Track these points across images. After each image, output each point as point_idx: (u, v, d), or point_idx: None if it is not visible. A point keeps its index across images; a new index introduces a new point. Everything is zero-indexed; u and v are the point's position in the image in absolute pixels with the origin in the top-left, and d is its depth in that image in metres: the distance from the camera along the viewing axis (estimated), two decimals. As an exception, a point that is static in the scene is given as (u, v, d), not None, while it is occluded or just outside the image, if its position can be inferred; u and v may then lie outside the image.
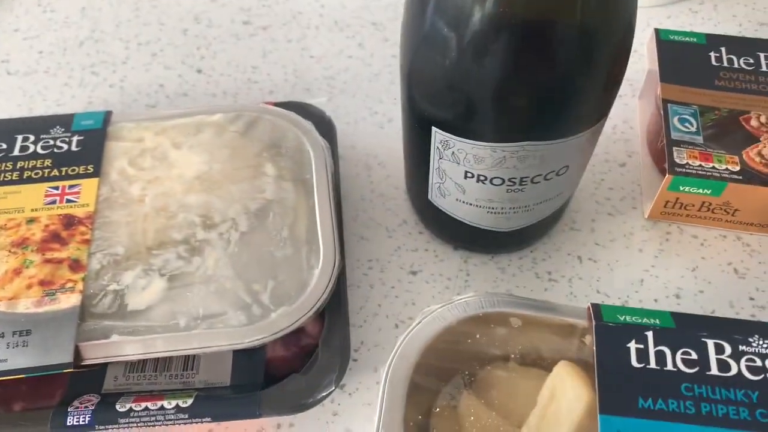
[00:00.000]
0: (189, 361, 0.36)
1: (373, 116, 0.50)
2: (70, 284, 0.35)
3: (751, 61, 0.46)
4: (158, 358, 0.36)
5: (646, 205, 0.44)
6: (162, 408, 0.34)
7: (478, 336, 0.32)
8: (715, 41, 0.48)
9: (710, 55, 0.47)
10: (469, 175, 0.36)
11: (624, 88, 0.52)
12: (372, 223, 0.44)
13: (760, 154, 0.41)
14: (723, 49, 0.47)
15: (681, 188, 0.41)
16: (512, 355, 0.31)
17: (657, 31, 0.48)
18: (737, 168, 0.40)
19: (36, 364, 0.33)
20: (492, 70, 0.30)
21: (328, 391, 0.34)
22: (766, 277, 0.41)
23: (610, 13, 0.30)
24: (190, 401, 0.34)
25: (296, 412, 0.35)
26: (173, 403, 0.34)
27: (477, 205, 0.38)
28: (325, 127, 0.44)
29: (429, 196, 0.40)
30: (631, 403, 0.27)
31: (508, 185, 0.36)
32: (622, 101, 0.51)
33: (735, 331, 0.30)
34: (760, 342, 0.29)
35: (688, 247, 0.43)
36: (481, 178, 0.35)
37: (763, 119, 0.43)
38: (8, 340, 0.33)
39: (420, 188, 0.40)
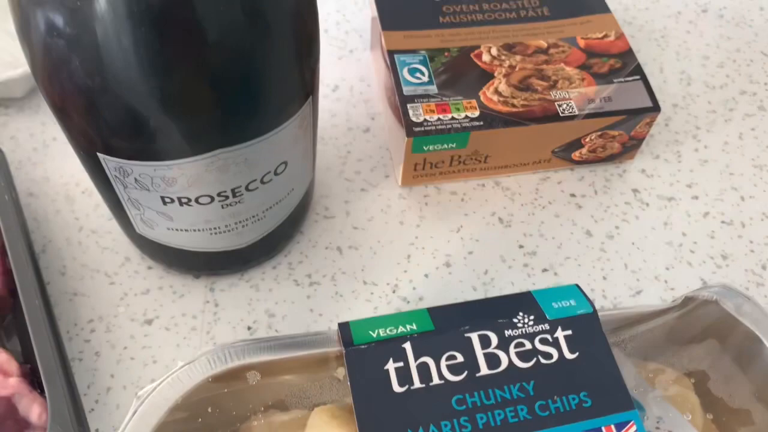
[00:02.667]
0: None
1: (62, 135, 0.40)
2: None
3: (472, -11, 0.43)
4: None
5: (398, 172, 0.39)
6: None
7: (209, 410, 0.25)
8: (432, -26, 0.43)
9: (430, -10, 0.43)
10: (167, 200, 0.28)
11: (354, 41, 0.46)
12: (86, 271, 0.35)
13: (496, 91, 0.38)
14: (441, -19, 0.43)
15: (425, 148, 0.37)
16: (259, 414, 0.26)
17: (370, -28, 0.43)
18: (477, 113, 0.37)
19: None
20: (135, 78, 0.22)
21: None
22: (530, 219, 0.39)
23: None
24: None
25: None
26: None
27: (195, 230, 0.31)
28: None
29: (137, 230, 0.32)
30: None
31: (220, 200, 0.29)
32: (354, 56, 0.45)
33: (498, 313, 0.26)
34: (526, 319, 0.25)
35: (449, 206, 0.39)
36: (183, 200, 0.28)
37: (494, 51, 0.40)
38: None
39: (124, 222, 0.32)
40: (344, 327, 0.25)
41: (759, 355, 0.26)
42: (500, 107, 0.37)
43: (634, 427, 0.23)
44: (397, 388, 0.24)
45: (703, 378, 0.27)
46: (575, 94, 0.38)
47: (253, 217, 0.31)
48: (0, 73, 0.38)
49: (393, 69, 0.38)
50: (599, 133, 0.38)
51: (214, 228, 0.31)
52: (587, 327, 0.25)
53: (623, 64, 0.39)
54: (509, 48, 0.40)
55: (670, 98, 0.45)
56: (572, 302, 0.26)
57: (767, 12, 0.50)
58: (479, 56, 0.39)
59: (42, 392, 0.29)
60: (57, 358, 0.31)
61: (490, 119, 0.37)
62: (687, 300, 0.27)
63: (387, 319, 0.26)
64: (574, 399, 0.24)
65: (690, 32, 0.49)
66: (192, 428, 0.25)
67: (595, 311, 0.25)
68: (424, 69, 0.38)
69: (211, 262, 0.35)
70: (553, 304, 0.25)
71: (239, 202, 0.29)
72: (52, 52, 0.23)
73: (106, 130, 0.25)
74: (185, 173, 0.27)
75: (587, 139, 0.38)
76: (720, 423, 0.27)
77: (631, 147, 0.40)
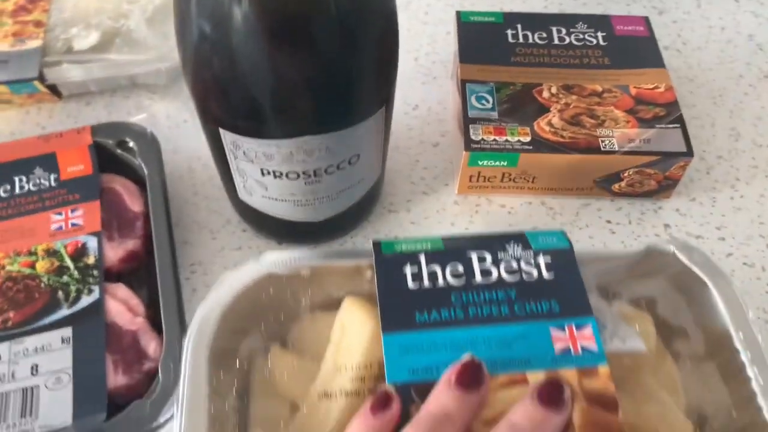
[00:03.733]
0: (26, 406, 0.35)
1: (195, 118, 0.50)
2: (34, 35, 0.50)
3: (545, 35, 0.49)
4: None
5: (455, 182, 0.46)
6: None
7: (271, 291, 0.33)
8: (511, 19, 0.50)
9: (507, 33, 0.50)
10: (265, 172, 0.37)
11: (439, 70, 0.54)
12: (195, 226, 0.44)
13: (549, 123, 0.44)
14: (519, 26, 0.50)
15: (480, 163, 0.43)
16: (304, 302, 0.34)
17: (458, 13, 0.51)
18: (528, 138, 0.43)
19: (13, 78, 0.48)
20: (257, 70, 0.31)
21: (173, 413, 0.34)
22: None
23: (364, 5, 0.31)
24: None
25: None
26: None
27: (282, 200, 0.39)
28: (147, 142, 0.45)
29: (239, 196, 0.40)
30: (409, 319, 0.30)
31: (304, 178, 0.37)
32: (438, 83, 0.53)
33: (495, 242, 0.33)
34: (516, 247, 0.33)
35: (497, 216, 0.45)
36: (277, 174, 0.36)
37: (553, 90, 0.46)
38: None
39: (230, 188, 0.41)
40: (376, 244, 0.33)
41: (701, 292, 0.33)
42: (550, 136, 0.43)
43: (591, 329, 0.30)
44: (411, 286, 0.32)
45: (652, 302, 0.35)
46: (618, 133, 0.43)
47: (328, 196, 0.39)
48: (153, 65, 0.49)
49: (463, 95, 0.45)
50: (637, 169, 0.44)
51: (297, 200, 0.39)
52: (564, 257, 0.32)
53: (667, 113, 0.45)
54: (568, 88, 0.46)
55: (716, 150, 0.49)
56: (554, 239, 0.33)
57: (829, 83, 0.54)
58: (540, 92, 0.46)
59: (159, 332, 0.38)
60: (175, 307, 0.39)
61: (538, 145, 0.43)
62: (649, 248, 0.34)
63: (409, 240, 0.34)
64: (546, 305, 0.31)
65: (748, 94, 0.53)
66: (254, 308, 0.33)
67: (571, 247, 0.33)
68: (489, 97, 0.45)
69: (291, 232, 0.43)
70: (540, 239, 0.33)
71: (318, 181, 0.37)
72: (200, 53, 0.31)
73: (228, 111, 0.34)
74: (281, 151, 0.35)
75: (626, 174, 0.44)
76: (661, 334, 0.34)
77: (666, 186, 0.45)
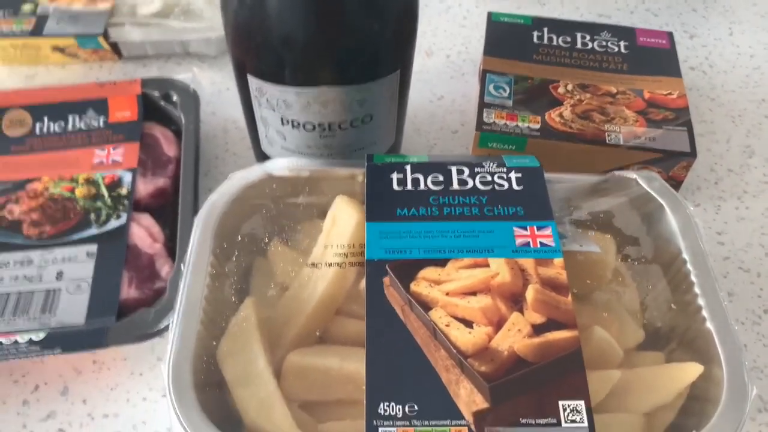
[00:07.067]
0: (48, 304, 0.39)
1: (235, 88, 0.54)
2: None
3: (569, 39, 0.52)
4: (17, 301, 0.39)
5: (467, 163, 0.49)
6: (15, 342, 0.37)
7: (275, 186, 0.38)
8: (540, 23, 0.53)
9: (533, 34, 0.52)
10: (285, 121, 0.40)
11: (468, 67, 0.57)
12: (222, 177, 0.48)
13: (561, 115, 0.47)
14: (545, 29, 0.53)
15: (489, 144, 0.46)
16: (301, 199, 0.39)
17: (489, 14, 0.54)
18: (538, 126, 0.46)
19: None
20: (279, 17, 0.34)
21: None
22: (568, 224, 0.46)
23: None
24: (42, 335, 0.37)
25: (141, 341, 0.38)
26: (26, 337, 0.37)
27: (299, 152, 0.42)
28: (189, 97, 0.49)
29: (262, 147, 0.44)
30: (391, 212, 0.35)
31: (319, 131, 0.40)
32: (465, 79, 0.56)
33: (474, 161, 0.37)
34: (491, 164, 0.37)
35: (502, 198, 0.48)
36: (295, 123, 0.40)
37: (570, 87, 0.49)
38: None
39: (255, 140, 0.44)
40: (369, 155, 0.38)
41: (657, 213, 0.38)
42: (559, 126, 0.46)
43: (550, 230, 0.34)
44: (395, 188, 0.36)
45: (609, 215, 0.39)
46: (625, 130, 0.45)
47: (341, 153, 0.42)
48: (205, 33, 0.54)
49: (482, 82, 0.48)
50: (641, 166, 0.45)
51: (313, 153, 0.42)
52: (533, 173, 0.36)
53: (676, 116, 0.46)
54: (583, 87, 0.48)
55: (728, 164, 0.51)
56: (527, 161, 0.37)
57: None
58: (556, 88, 0.48)
59: (173, 259, 0.42)
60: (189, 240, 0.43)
61: (546, 132, 0.45)
62: (614, 175, 0.38)
63: (400, 155, 0.38)
64: (512, 209, 0.35)
65: (768, 117, 0.54)
66: (260, 200, 0.38)
67: (541, 166, 0.37)
68: (507, 87, 0.48)
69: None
70: (515, 160, 0.37)
71: (333, 135, 0.41)
72: (237, 15, 0.36)
73: (255, 56, 0.37)
74: (298, 100, 0.38)
75: (630, 169, 0.46)
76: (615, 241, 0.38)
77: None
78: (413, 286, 0.33)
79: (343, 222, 0.36)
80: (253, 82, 0.39)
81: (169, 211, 0.46)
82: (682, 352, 0.35)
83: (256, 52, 0.37)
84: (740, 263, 0.45)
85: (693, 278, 0.35)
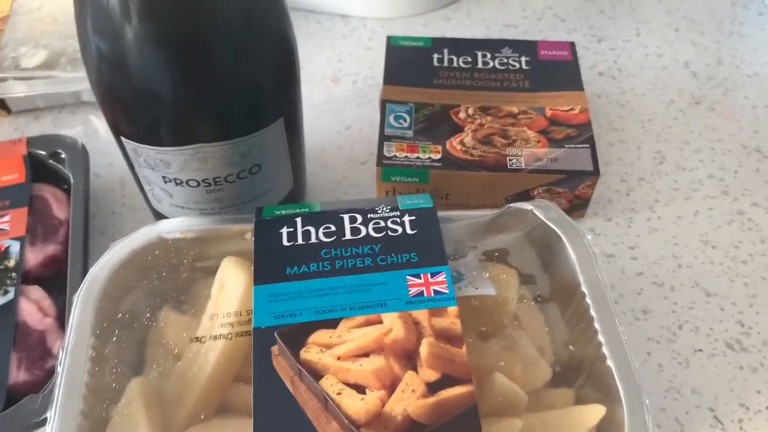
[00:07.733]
0: None
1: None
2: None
3: (469, 59, 0.51)
4: None
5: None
6: None
7: (158, 253, 0.36)
8: (439, 44, 0.52)
9: (433, 57, 0.51)
10: (167, 179, 0.38)
11: (375, 93, 0.56)
12: (119, 234, 0.46)
13: (462, 142, 0.45)
14: (446, 51, 0.52)
15: (393, 178, 0.45)
16: (187, 263, 0.36)
17: (388, 38, 0.53)
18: (439, 156, 0.45)
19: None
20: (143, 81, 0.33)
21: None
22: (480, 252, 0.46)
23: (250, 21, 0.33)
24: None
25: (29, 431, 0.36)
26: None
27: (189, 208, 0.40)
28: (77, 154, 0.47)
29: (152, 204, 0.42)
30: (280, 272, 0.33)
31: (204, 186, 0.38)
32: (372, 105, 0.55)
33: (367, 206, 0.36)
34: (384, 209, 0.36)
35: (412, 231, 0.46)
36: (178, 181, 0.38)
37: (470, 111, 0.48)
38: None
39: (144, 197, 0.42)
40: (259, 208, 0.36)
41: (555, 245, 0.37)
42: (460, 154, 0.45)
43: (444, 276, 0.33)
44: (285, 243, 0.34)
45: (504, 253, 0.37)
46: (527, 152, 0.45)
47: (234, 206, 0.40)
48: (93, 82, 0.51)
49: (382, 114, 0.47)
50: (546, 188, 0.44)
51: (203, 209, 0.40)
52: (427, 216, 0.35)
53: (578, 133, 0.46)
54: (484, 110, 0.47)
55: (639, 173, 0.50)
56: (421, 201, 0.36)
57: (759, 109, 0.55)
58: (457, 113, 0.47)
59: None
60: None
61: (447, 162, 0.44)
62: (509, 208, 0.37)
63: (290, 206, 0.36)
64: (405, 256, 0.33)
65: (677, 119, 0.54)
66: (147, 266, 0.36)
67: (434, 207, 0.36)
68: (407, 117, 0.47)
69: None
70: (408, 201, 0.36)
71: (221, 189, 0.39)
72: (94, 66, 0.34)
73: (125, 120, 0.35)
74: (176, 159, 0.36)
75: (535, 192, 0.45)
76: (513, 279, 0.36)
77: (578, 205, 0.46)
78: (303, 354, 0.31)
79: (230, 287, 0.34)
80: (128, 144, 0.37)
81: (62, 279, 0.43)
82: (590, 389, 0.34)
83: (124, 115, 0.35)
84: (654, 278, 0.44)
85: (592, 313, 0.34)
